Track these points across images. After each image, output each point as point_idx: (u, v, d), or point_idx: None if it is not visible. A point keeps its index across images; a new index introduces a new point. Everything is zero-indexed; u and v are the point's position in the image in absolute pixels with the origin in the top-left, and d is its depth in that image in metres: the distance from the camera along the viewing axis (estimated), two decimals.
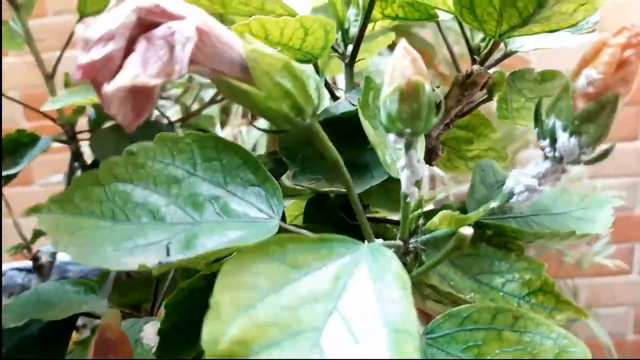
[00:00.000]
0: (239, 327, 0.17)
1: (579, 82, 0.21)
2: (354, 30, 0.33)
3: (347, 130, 0.32)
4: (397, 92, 0.20)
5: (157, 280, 0.40)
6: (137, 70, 0.17)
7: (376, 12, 0.34)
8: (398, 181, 0.25)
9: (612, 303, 1.52)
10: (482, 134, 0.36)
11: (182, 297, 0.29)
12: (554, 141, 0.21)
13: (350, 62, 0.33)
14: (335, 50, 0.33)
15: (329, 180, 0.31)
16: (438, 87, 0.32)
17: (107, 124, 0.48)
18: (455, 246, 0.21)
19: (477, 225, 0.29)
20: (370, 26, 0.36)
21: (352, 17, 0.34)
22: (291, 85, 0.20)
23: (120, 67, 0.17)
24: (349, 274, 0.20)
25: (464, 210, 0.30)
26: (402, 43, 0.20)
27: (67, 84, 0.45)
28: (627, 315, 1.54)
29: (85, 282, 0.37)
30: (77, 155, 0.48)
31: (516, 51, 0.32)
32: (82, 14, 0.45)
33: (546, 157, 0.22)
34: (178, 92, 0.55)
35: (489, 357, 0.22)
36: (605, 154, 0.21)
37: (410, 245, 0.25)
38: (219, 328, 0.17)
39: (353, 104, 0.32)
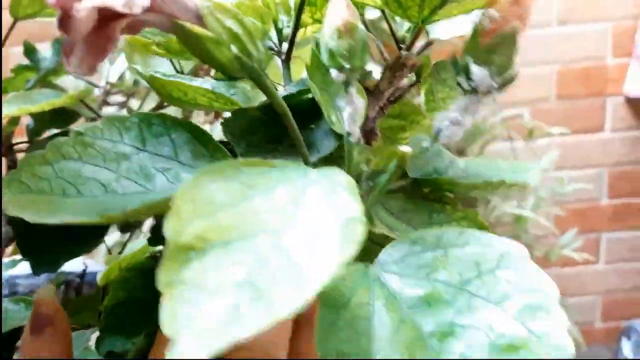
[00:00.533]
0: (200, 226, 0.18)
1: (483, 22, 0.24)
2: (287, 31, 0.36)
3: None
4: (335, 31, 0.22)
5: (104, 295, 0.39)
6: None
7: (306, 17, 0.38)
8: (343, 158, 0.28)
9: (580, 292, 1.56)
10: (414, 121, 0.39)
11: (129, 275, 0.29)
12: (468, 74, 0.25)
13: (286, 59, 0.36)
14: (272, 49, 0.36)
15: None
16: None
17: (46, 134, 0.48)
18: (398, 166, 0.23)
19: (415, 183, 0.32)
20: (301, 32, 0.39)
21: (284, 21, 0.37)
22: (241, 32, 0.22)
23: None
24: (303, 191, 0.21)
25: (403, 174, 0.32)
26: None
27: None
28: (594, 304, 1.59)
29: (26, 299, 0.36)
30: (14, 168, 0.46)
31: (438, 39, 0.36)
32: (16, 18, 0.44)
33: (464, 92, 0.25)
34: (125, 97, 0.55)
35: (439, 272, 0.24)
36: (510, 79, 0.24)
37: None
38: (180, 224, 0.18)
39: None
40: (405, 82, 0.36)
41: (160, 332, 0.25)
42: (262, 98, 0.35)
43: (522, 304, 0.22)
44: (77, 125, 0.53)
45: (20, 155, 0.46)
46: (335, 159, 0.31)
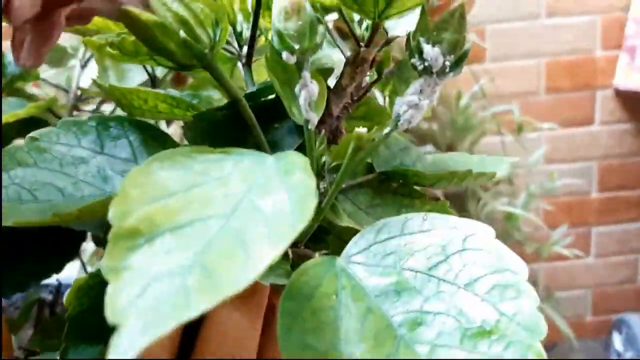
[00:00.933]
0: (148, 210, 0.17)
1: (430, 1, 0.24)
2: (246, 34, 0.36)
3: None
4: (282, 12, 0.22)
5: None
6: None
7: (266, 22, 0.38)
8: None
9: (571, 286, 1.55)
10: (381, 122, 0.39)
11: (93, 282, 0.28)
12: (421, 55, 0.24)
13: (247, 62, 0.36)
14: (232, 53, 0.36)
15: None
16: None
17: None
18: (356, 147, 0.22)
19: (383, 179, 0.31)
20: (262, 39, 0.39)
21: (244, 27, 0.37)
22: (187, 15, 0.22)
23: None
24: (257, 176, 0.20)
25: (370, 168, 0.32)
26: None
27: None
28: (585, 297, 1.58)
29: None
30: None
31: (397, 36, 0.36)
32: None
33: (420, 74, 0.25)
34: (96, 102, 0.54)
35: (405, 260, 0.23)
36: (463, 56, 0.24)
37: (320, 186, 0.26)
38: (126, 208, 0.17)
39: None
40: (367, 80, 0.36)
41: None
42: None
43: (491, 284, 0.21)
44: None
45: None
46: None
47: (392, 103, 0.42)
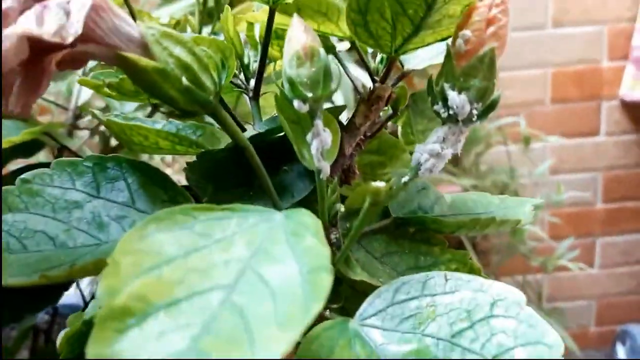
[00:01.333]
0: (140, 284, 0.15)
1: (457, 44, 0.23)
2: (254, 66, 0.34)
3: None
4: (294, 57, 0.20)
5: None
6: (31, 25, 0.17)
7: (274, 51, 0.36)
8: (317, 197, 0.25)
9: (575, 296, 1.52)
10: (394, 156, 0.37)
11: (86, 329, 0.26)
12: (445, 102, 0.23)
13: (254, 96, 0.34)
14: (239, 87, 0.34)
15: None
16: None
17: (10, 167, 0.44)
18: (372, 202, 0.20)
19: (400, 222, 0.29)
20: (271, 66, 0.37)
21: (251, 57, 0.35)
22: (190, 59, 0.20)
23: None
24: (263, 237, 0.18)
25: (386, 212, 0.30)
26: (295, 17, 0.22)
27: None
28: (589, 308, 1.54)
29: None
30: None
31: (413, 70, 0.34)
32: None
33: (443, 122, 0.23)
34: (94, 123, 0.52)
35: (426, 324, 0.21)
36: (492, 105, 0.22)
37: (332, 236, 0.24)
38: (117, 282, 0.15)
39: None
40: (382, 115, 0.34)
41: None
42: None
43: (522, 357, 0.19)
44: (42, 156, 0.50)
45: None
46: (311, 202, 0.28)
47: (405, 133, 0.40)
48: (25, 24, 0.17)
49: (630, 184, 1.49)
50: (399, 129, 0.40)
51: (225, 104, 0.33)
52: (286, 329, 0.14)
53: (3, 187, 0.25)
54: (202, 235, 0.18)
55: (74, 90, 0.59)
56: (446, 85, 0.23)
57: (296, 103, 0.21)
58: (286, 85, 0.21)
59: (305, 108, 0.21)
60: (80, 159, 0.27)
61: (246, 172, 0.29)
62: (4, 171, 0.48)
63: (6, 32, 0.16)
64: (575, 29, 1.42)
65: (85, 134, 0.54)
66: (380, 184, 0.20)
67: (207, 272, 0.17)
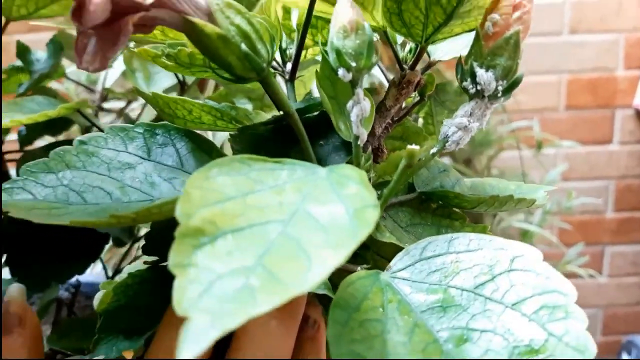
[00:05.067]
0: (209, 211, 0.18)
1: (486, 27, 0.25)
2: (291, 51, 0.37)
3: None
4: (341, 30, 0.23)
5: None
6: None
7: (307, 40, 0.39)
8: None
9: (582, 305, 1.50)
10: (416, 143, 0.39)
11: (132, 282, 0.28)
12: (473, 78, 0.25)
13: (291, 78, 0.36)
14: (275, 69, 0.37)
15: None
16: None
17: (38, 143, 0.46)
18: (407, 164, 0.22)
19: (423, 199, 0.32)
20: (302, 54, 0.40)
21: (288, 43, 0.38)
22: (249, 29, 0.22)
23: None
24: (310, 187, 0.21)
25: (411, 188, 0.32)
26: None
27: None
28: (596, 317, 1.54)
29: None
30: (4, 176, 0.45)
31: (439, 60, 0.36)
32: (8, 19, 0.42)
33: (470, 98, 0.25)
34: (121, 105, 0.54)
35: (451, 277, 0.23)
36: (516, 82, 0.25)
37: None
38: (191, 208, 0.17)
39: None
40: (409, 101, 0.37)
41: (155, 340, 0.24)
42: (265, 117, 0.35)
43: (539, 305, 0.21)
44: (70, 134, 0.53)
45: (10, 166, 0.45)
46: None
47: (426, 124, 0.42)
48: None
49: None
50: (420, 120, 0.43)
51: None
52: (338, 250, 0.16)
53: (61, 147, 0.28)
54: (257, 181, 0.20)
55: (100, 73, 0.62)
56: (475, 64, 0.25)
57: (341, 71, 0.23)
58: (332, 55, 0.23)
59: (348, 77, 0.23)
60: (131, 125, 0.29)
61: (284, 145, 0.32)
62: (32, 147, 0.50)
63: None
64: (591, 36, 1.44)
65: (111, 118, 0.56)
66: (415, 147, 0.22)
67: (263, 210, 0.19)
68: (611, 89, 1.46)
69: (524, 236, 1.17)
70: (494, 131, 1.19)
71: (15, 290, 0.25)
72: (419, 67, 0.36)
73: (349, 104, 0.24)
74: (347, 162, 0.29)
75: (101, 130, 0.47)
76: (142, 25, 0.22)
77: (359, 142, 0.25)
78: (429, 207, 0.31)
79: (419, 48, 0.34)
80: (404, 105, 0.36)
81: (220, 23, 0.22)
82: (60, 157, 0.27)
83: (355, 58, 0.23)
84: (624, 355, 1.44)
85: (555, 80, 1.45)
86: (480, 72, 0.24)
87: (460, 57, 0.26)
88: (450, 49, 0.36)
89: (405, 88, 0.33)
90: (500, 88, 0.25)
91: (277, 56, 0.37)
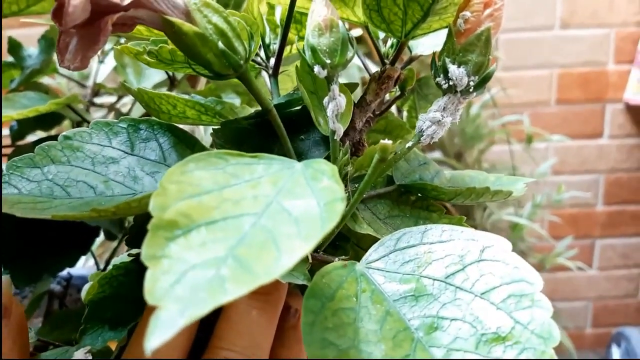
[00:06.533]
0: (185, 205, 0.18)
1: (457, 24, 0.26)
2: (274, 47, 0.37)
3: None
4: (316, 28, 0.23)
5: None
6: None
7: (292, 35, 0.39)
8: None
9: (572, 297, 1.55)
10: (399, 136, 0.40)
11: (117, 273, 0.29)
12: (446, 74, 0.26)
13: (274, 73, 0.37)
14: (259, 64, 0.37)
15: None
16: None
17: (29, 138, 0.47)
18: (380, 158, 0.23)
19: (402, 191, 0.32)
20: (287, 49, 0.40)
21: (271, 39, 0.38)
22: (226, 27, 0.23)
23: None
24: (286, 180, 0.21)
25: (390, 180, 0.33)
26: None
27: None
28: (586, 309, 1.57)
29: None
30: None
31: (420, 55, 0.37)
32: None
33: (444, 93, 0.26)
34: (112, 100, 0.55)
35: (424, 268, 0.24)
36: (487, 78, 0.25)
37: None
38: (166, 201, 0.18)
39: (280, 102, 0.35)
40: (389, 96, 0.37)
41: (137, 330, 0.25)
42: (249, 112, 0.36)
43: (507, 293, 0.22)
44: (62, 129, 0.53)
45: (4, 161, 0.46)
46: None
47: (410, 117, 0.43)
48: None
49: (631, 187, 1.51)
50: (404, 113, 0.43)
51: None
52: (307, 240, 0.17)
53: (46, 142, 0.28)
54: (233, 175, 0.21)
55: (91, 69, 0.62)
56: (447, 60, 0.26)
57: (316, 68, 0.24)
58: (308, 53, 0.24)
59: (323, 73, 0.24)
60: (115, 120, 0.30)
61: (266, 139, 0.32)
62: (23, 141, 0.51)
63: None
64: (582, 31, 1.45)
65: (102, 113, 0.57)
66: (388, 142, 0.23)
67: (239, 203, 0.19)
68: (602, 83, 1.47)
69: (514, 229, 1.18)
70: (484, 125, 1.20)
71: (1, 282, 0.26)
72: (402, 62, 0.37)
73: (325, 99, 0.25)
74: (326, 157, 0.29)
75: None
76: (122, 25, 0.23)
77: (335, 137, 0.25)
78: (408, 199, 0.32)
79: (399, 43, 0.35)
80: (386, 99, 0.37)
81: (198, 22, 0.22)
82: (45, 152, 0.28)
83: (329, 55, 0.23)
84: (614, 347, 1.46)
85: (546, 75, 1.46)
86: (453, 68, 0.25)
87: (434, 53, 0.27)
88: (431, 43, 0.37)
89: (385, 83, 0.34)
90: (472, 83, 0.25)
91: (262, 52, 0.38)
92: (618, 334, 1.46)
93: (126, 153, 0.29)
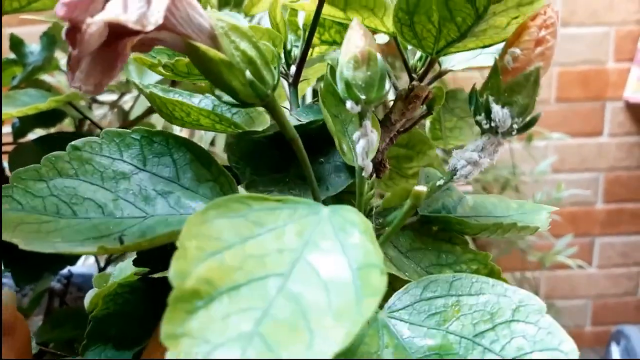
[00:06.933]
0: (206, 268, 0.17)
1: (505, 60, 0.23)
2: (296, 52, 0.35)
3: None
4: (352, 60, 0.21)
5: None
6: (118, 11, 0.18)
7: (314, 39, 0.37)
8: (352, 193, 0.26)
9: (572, 295, 1.56)
10: (421, 152, 0.38)
11: (121, 290, 0.28)
12: (488, 114, 0.24)
13: (294, 82, 0.35)
14: (280, 72, 0.35)
15: (281, 192, 0.32)
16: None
17: (31, 136, 0.46)
18: (412, 205, 0.21)
19: (424, 221, 0.31)
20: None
21: (292, 41, 0.36)
22: (254, 54, 0.21)
23: (102, 9, 0.18)
24: (312, 229, 0.20)
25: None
26: (355, 21, 0.22)
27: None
28: (585, 307, 1.58)
29: None
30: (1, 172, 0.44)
31: (450, 70, 0.35)
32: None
33: (483, 132, 0.24)
34: (113, 98, 0.53)
35: (450, 322, 0.22)
36: (532, 122, 0.23)
37: None
38: (186, 266, 0.16)
39: (300, 120, 0.33)
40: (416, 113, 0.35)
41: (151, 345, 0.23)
42: (265, 120, 0.34)
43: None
44: (63, 127, 0.51)
45: (4, 157, 0.44)
46: (343, 192, 0.30)
47: (433, 129, 0.41)
48: (113, 11, 0.18)
49: (631, 185, 1.51)
50: (427, 124, 0.41)
51: None
52: (341, 320, 0.16)
53: (53, 153, 0.26)
54: (256, 223, 0.19)
55: None
56: (491, 99, 0.24)
57: (349, 104, 0.22)
58: (341, 86, 0.22)
59: (357, 109, 0.22)
60: (128, 130, 0.28)
61: (284, 159, 0.30)
62: (25, 139, 0.49)
63: (95, 18, 0.17)
64: (582, 29, 1.43)
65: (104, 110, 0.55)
66: (422, 189, 0.21)
67: (263, 260, 0.18)
68: (602, 82, 1.45)
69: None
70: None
71: (5, 297, 0.24)
72: (429, 76, 0.35)
73: (356, 134, 0.23)
74: (349, 186, 0.28)
75: (93, 122, 0.46)
76: (141, 44, 0.21)
77: (363, 174, 0.23)
78: (430, 230, 0.31)
79: (429, 58, 0.33)
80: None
81: (225, 48, 0.20)
82: (52, 164, 0.26)
83: (365, 90, 0.21)
84: (613, 345, 1.47)
85: (546, 73, 1.44)
86: (496, 109, 0.23)
87: (474, 88, 0.25)
88: (462, 58, 0.35)
89: (412, 102, 0.32)
90: (515, 126, 0.23)
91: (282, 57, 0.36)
92: (617, 331, 1.46)
93: (138, 168, 0.27)
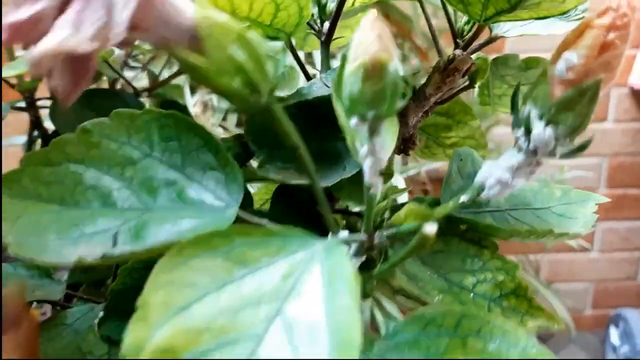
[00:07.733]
0: (168, 332, 0.16)
1: (558, 66, 0.19)
2: (331, 6, 0.31)
3: (319, 115, 0.30)
4: (360, 69, 0.18)
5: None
6: (66, 33, 0.15)
7: None
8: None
9: (573, 279, 1.58)
10: (462, 121, 0.34)
11: (138, 266, 0.28)
12: (528, 131, 0.20)
13: (326, 40, 0.31)
14: (312, 27, 0.31)
15: (299, 170, 0.29)
16: (416, 73, 0.30)
17: None
18: (419, 244, 0.19)
19: (450, 220, 0.28)
20: (349, 2, 0.34)
21: None
22: (245, 59, 0.18)
23: (51, 25, 0.16)
24: (299, 273, 0.18)
25: (437, 202, 0.28)
26: (370, 15, 0.18)
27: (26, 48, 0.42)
28: (586, 291, 1.60)
29: (40, 266, 0.36)
30: (36, 124, 0.45)
31: (502, 36, 0.30)
32: None
33: (520, 149, 0.20)
34: (146, 59, 0.52)
35: None
36: (582, 148, 0.19)
37: (375, 240, 0.23)
38: (144, 332, 0.15)
39: (327, 86, 0.30)
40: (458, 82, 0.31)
41: None
42: (293, 85, 0.31)
43: None
44: (100, 84, 0.50)
45: (43, 112, 0.44)
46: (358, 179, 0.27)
47: (481, 95, 0.36)
48: (60, 34, 0.15)
49: (634, 171, 1.49)
50: (476, 88, 0.37)
51: (293, 47, 0.31)
52: None
53: (63, 136, 0.25)
54: (238, 262, 0.18)
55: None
56: (533, 112, 0.19)
57: (353, 121, 0.19)
58: (345, 99, 0.19)
59: (362, 126, 0.19)
60: (138, 111, 0.26)
61: (303, 133, 0.28)
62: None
63: (37, 49, 0.15)
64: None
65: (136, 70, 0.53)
66: (432, 229, 0.18)
67: (236, 317, 0.16)
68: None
69: None
70: None
71: (13, 287, 0.25)
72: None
73: (363, 150, 0.20)
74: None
75: (127, 81, 0.44)
76: (121, 43, 0.18)
77: (371, 191, 0.21)
78: (457, 227, 0.28)
79: (477, 24, 0.28)
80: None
81: (210, 53, 0.17)
82: (60, 148, 0.25)
83: (374, 105, 0.18)
84: (612, 328, 1.47)
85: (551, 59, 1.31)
86: (539, 128, 0.19)
87: (517, 89, 0.21)
88: (516, 24, 0.29)
89: (451, 75, 0.28)
90: (559, 150, 0.19)
91: (315, 10, 0.31)
92: (616, 315, 1.47)
93: (146, 154, 0.25)
